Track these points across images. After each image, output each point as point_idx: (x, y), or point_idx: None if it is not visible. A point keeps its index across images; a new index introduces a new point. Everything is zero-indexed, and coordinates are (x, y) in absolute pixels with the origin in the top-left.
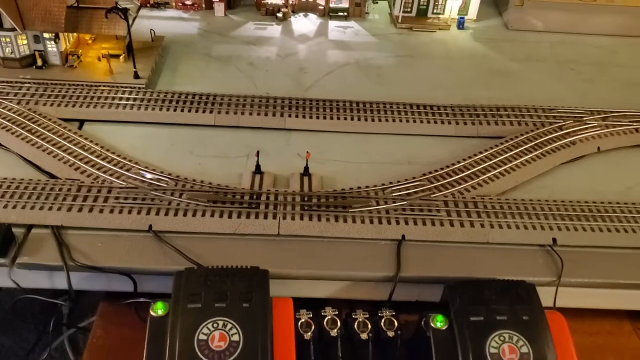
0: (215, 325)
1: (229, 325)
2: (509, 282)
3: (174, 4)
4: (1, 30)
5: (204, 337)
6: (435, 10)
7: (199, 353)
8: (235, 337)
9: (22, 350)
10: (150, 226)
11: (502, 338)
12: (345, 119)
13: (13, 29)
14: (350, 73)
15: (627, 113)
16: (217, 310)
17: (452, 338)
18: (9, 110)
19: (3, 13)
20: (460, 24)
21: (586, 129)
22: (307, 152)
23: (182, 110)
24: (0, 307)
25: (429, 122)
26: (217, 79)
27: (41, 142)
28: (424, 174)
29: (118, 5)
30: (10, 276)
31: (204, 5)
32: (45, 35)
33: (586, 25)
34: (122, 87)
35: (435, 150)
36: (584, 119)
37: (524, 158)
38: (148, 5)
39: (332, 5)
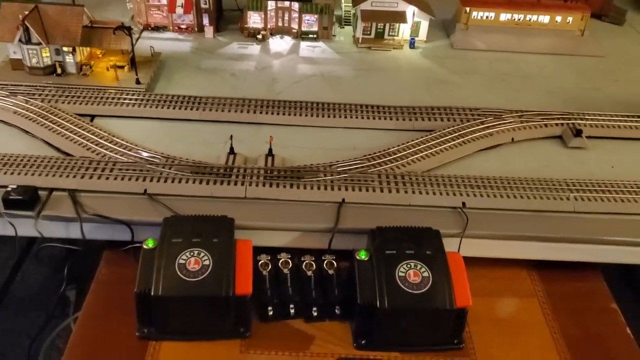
0: (191, 253)
1: (202, 254)
2: (418, 228)
3: (171, 27)
4: (29, 44)
5: (183, 262)
6: (390, 33)
7: (178, 272)
8: (206, 262)
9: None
10: (145, 190)
11: (408, 265)
12: (306, 115)
13: (39, 43)
14: (314, 82)
15: (541, 112)
16: (194, 244)
17: (372, 266)
18: (35, 107)
19: (32, 30)
20: (412, 44)
21: (503, 123)
22: (270, 136)
23: (173, 108)
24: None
25: (373, 118)
26: (204, 85)
27: (60, 129)
28: (364, 156)
29: (122, 25)
30: (36, 226)
31: (196, 29)
32: (65, 48)
33: (521, 45)
34: (125, 90)
35: (377, 140)
36: (503, 116)
37: (447, 145)
38: (149, 28)
39: (304, 28)
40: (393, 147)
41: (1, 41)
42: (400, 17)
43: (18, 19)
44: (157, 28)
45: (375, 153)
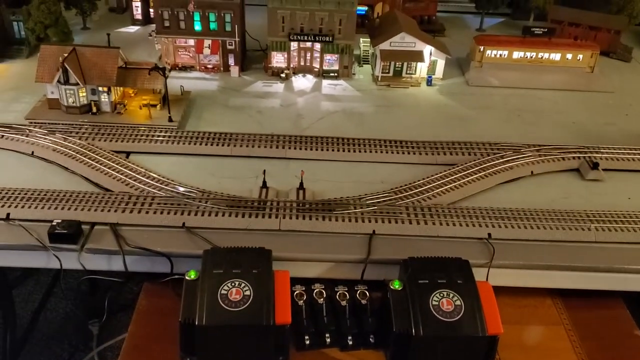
0: (233, 284)
1: (243, 284)
2: (448, 258)
3: (197, 67)
4: (67, 84)
5: (225, 292)
6: (408, 71)
7: (221, 302)
8: (247, 293)
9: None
10: (184, 223)
11: (441, 294)
12: (332, 150)
13: (76, 84)
14: (338, 118)
15: (558, 146)
16: (234, 275)
17: (406, 296)
18: (73, 144)
19: (70, 71)
20: (429, 82)
21: (523, 157)
22: (302, 171)
23: (205, 144)
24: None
25: (396, 152)
26: (233, 122)
27: (99, 165)
28: (391, 189)
29: (157, 66)
30: (79, 259)
31: (222, 68)
32: (100, 88)
33: (534, 81)
34: (159, 127)
35: (402, 173)
36: (522, 150)
37: (470, 178)
38: (177, 68)
39: (325, 67)
40: (418, 181)
41: (40, 82)
42: (417, 56)
43: (56, 60)
44: (184, 68)
45: (401, 186)
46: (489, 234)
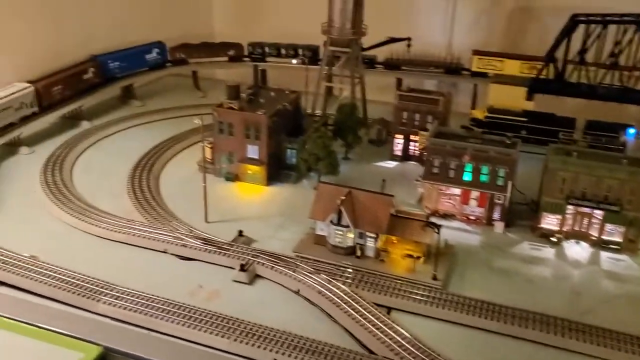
0: None
1: None
2: None
3: (459, 217)
4: (339, 225)
5: None
6: None
7: None
8: None
9: None
10: None
11: None
12: (619, 350)
13: (347, 226)
14: (624, 306)
15: None
16: None
17: None
18: (337, 289)
19: (344, 214)
20: None
21: None
22: None
23: (472, 314)
24: None
25: None
26: (499, 289)
27: (361, 319)
28: None
29: (431, 221)
30: None
31: (485, 222)
32: (368, 233)
33: None
34: (422, 284)
35: None
36: None
37: None
38: (436, 215)
39: (604, 237)
40: None
41: (314, 219)
42: None
43: (331, 200)
44: (445, 216)
45: None
46: None
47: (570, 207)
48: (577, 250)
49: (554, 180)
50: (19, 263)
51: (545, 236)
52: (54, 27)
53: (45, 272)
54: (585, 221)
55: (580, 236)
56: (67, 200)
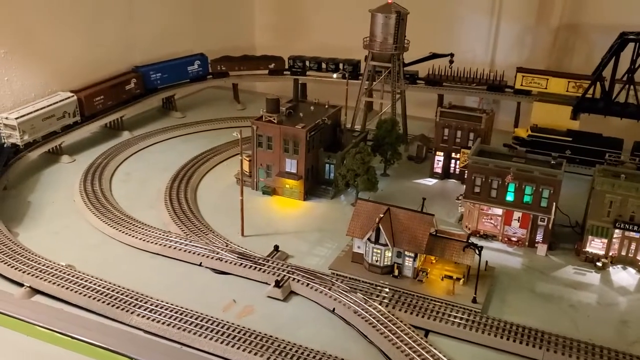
0: None
1: None
2: None
3: (500, 238)
4: (377, 244)
5: None
6: None
7: None
8: None
9: None
10: None
11: None
12: None
13: (385, 245)
14: None
15: None
16: None
17: None
18: (373, 309)
19: (382, 232)
20: None
21: None
22: None
23: (513, 340)
24: None
25: None
26: (542, 315)
27: (398, 341)
28: None
29: (472, 242)
30: None
31: (527, 243)
32: (407, 253)
33: None
34: (461, 307)
35: None
36: None
37: None
38: (477, 235)
39: None
40: None
41: (352, 236)
42: None
43: (369, 218)
44: (485, 236)
45: None
46: None
47: (617, 231)
48: (624, 277)
49: (600, 203)
50: (56, 272)
51: (590, 260)
52: (97, 37)
53: (81, 282)
54: (633, 246)
55: (627, 262)
56: (105, 210)
